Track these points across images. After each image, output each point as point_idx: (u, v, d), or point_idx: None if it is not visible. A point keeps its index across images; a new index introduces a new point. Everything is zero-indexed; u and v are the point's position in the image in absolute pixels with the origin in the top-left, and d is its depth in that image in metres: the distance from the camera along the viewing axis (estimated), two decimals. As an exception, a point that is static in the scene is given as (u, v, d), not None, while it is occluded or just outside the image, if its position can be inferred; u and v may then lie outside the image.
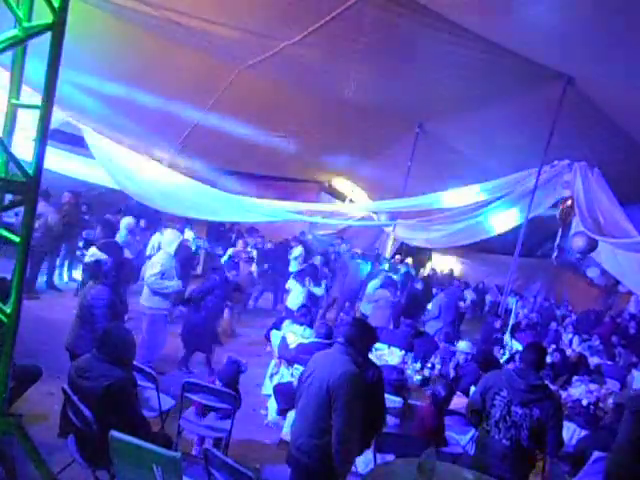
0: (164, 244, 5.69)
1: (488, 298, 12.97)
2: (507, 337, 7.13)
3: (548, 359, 5.92)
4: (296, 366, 4.82)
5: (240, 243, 8.75)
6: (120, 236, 7.08)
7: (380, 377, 3.28)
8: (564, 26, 4.09)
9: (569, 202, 5.69)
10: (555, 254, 6.39)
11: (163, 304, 5.49)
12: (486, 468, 3.21)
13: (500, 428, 3.27)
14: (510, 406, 3.25)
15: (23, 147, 3.16)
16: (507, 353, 6.61)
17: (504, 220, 6.83)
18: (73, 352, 3.99)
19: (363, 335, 2.98)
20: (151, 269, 5.46)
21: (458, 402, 4.66)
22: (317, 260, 8.40)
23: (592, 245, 5.46)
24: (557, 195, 5.99)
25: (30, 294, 6.95)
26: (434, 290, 9.88)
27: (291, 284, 7.48)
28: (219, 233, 11.25)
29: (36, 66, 2.61)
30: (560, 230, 6.18)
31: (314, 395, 2.77)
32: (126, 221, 7.27)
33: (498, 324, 7.54)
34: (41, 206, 6.61)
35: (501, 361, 5.90)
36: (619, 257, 6.13)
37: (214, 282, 5.90)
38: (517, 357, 6.20)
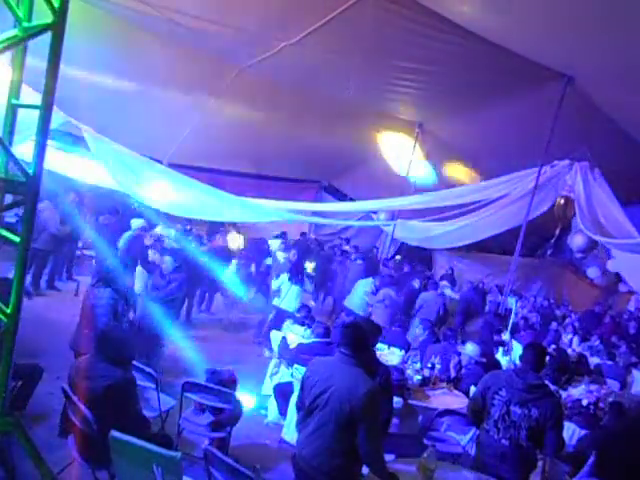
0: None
1: (489, 298, 12.90)
2: (507, 337, 7.11)
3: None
4: (296, 366, 4.82)
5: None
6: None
7: (388, 378, 3.22)
8: (564, 26, 4.09)
9: (562, 200, 5.67)
10: (550, 251, 6.40)
11: None
12: (486, 468, 3.21)
13: (499, 428, 3.26)
14: (509, 406, 3.23)
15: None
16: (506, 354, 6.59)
17: (504, 220, 6.82)
18: (78, 351, 4.02)
19: (363, 336, 2.85)
20: None
21: (458, 402, 4.66)
22: (292, 255, 8.07)
23: (592, 244, 5.45)
24: (557, 195, 5.99)
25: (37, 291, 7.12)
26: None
27: (283, 285, 7.22)
28: (219, 233, 11.24)
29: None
30: (558, 229, 6.17)
31: (335, 416, 2.61)
32: (136, 223, 7.37)
33: (498, 324, 7.53)
34: (44, 206, 6.67)
35: (502, 361, 5.88)
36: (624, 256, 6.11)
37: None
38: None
